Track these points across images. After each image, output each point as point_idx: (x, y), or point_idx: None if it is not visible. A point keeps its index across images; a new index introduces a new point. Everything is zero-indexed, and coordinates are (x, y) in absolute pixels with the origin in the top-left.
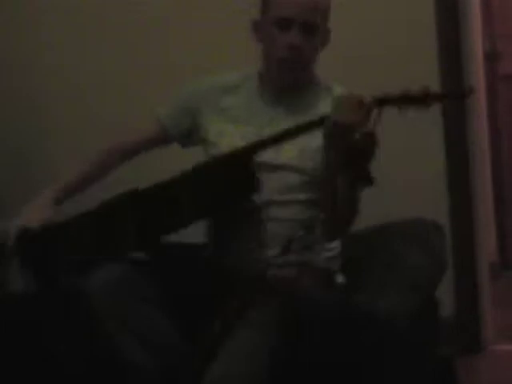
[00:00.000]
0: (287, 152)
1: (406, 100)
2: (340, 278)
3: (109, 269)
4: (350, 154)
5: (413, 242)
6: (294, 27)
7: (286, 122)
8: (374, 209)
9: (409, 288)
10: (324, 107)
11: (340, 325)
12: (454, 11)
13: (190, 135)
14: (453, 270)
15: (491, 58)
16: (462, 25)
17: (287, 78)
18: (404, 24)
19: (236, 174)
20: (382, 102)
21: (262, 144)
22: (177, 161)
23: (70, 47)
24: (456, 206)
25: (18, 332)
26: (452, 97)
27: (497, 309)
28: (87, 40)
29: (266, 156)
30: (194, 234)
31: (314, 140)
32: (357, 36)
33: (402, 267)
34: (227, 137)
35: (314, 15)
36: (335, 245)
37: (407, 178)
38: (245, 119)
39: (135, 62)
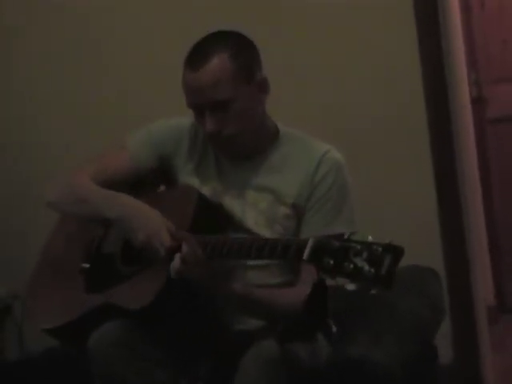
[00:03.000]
0: (252, 218)
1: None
2: (334, 328)
3: (108, 324)
4: None
5: (409, 290)
6: (205, 111)
7: (252, 179)
8: None
9: (406, 337)
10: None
11: (336, 376)
12: (439, 59)
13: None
14: (450, 315)
15: (478, 102)
16: (448, 72)
17: (226, 152)
18: (389, 71)
19: None
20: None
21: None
22: None
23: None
24: (451, 251)
25: None
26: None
27: (496, 353)
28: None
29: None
30: None
31: (280, 209)
32: (343, 92)
33: (398, 316)
34: None
35: (214, 94)
36: None
37: (400, 224)
38: (207, 175)
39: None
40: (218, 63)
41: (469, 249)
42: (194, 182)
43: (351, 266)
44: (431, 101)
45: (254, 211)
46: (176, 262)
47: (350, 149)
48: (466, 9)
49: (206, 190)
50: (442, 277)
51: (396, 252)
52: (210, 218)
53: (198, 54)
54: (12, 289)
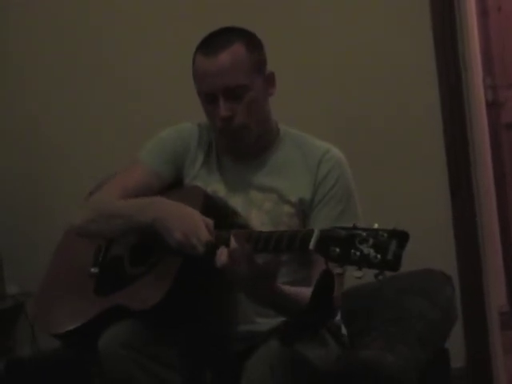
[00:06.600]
0: (257, 218)
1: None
2: (344, 329)
3: (117, 325)
4: None
5: (421, 293)
6: (218, 98)
7: (255, 178)
8: None
9: (418, 341)
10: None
11: (348, 379)
12: (455, 63)
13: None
14: (462, 319)
15: (493, 107)
16: (463, 76)
17: (233, 144)
18: (406, 75)
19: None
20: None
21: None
22: None
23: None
24: (464, 255)
25: None
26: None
27: (508, 358)
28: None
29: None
30: None
31: (284, 208)
32: (357, 93)
33: (410, 319)
34: None
35: (233, 78)
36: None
37: (414, 227)
38: (210, 178)
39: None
40: (236, 50)
41: (482, 253)
42: (198, 184)
43: (357, 253)
44: (446, 104)
45: (259, 211)
46: (222, 256)
47: (364, 151)
48: (482, 13)
49: (209, 192)
50: (455, 281)
51: (401, 237)
52: (217, 217)
53: (214, 42)
54: (24, 286)
